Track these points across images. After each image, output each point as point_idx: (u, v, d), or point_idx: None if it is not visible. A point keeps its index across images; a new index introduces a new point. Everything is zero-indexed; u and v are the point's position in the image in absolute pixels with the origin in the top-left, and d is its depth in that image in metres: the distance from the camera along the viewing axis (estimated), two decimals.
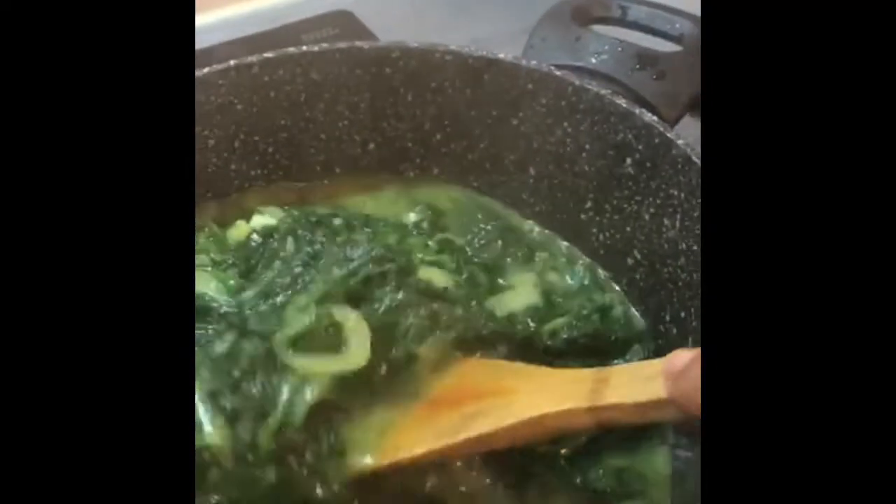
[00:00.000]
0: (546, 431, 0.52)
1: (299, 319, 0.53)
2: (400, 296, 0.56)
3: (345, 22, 1.07)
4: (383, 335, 0.54)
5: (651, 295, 0.64)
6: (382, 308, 0.55)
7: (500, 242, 0.69)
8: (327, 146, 0.73)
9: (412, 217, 0.71)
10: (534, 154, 0.70)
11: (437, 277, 0.62)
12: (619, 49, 0.69)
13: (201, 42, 1.01)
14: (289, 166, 0.73)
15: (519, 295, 0.65)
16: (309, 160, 0.73)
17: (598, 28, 0.73)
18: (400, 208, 0.73)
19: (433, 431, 0.53)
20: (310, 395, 0.51)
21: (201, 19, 1.09)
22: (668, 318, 0.63)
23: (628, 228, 0.65)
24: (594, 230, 0.69)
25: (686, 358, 0.44)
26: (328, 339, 0.53)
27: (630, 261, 0.66)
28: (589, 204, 0.68)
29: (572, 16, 0.72)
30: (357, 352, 0.52)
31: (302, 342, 0.52)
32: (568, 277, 0.68)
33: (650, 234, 0.63)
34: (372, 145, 0.74)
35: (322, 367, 0.52)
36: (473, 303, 0.61)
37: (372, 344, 0.53)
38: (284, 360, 0.51)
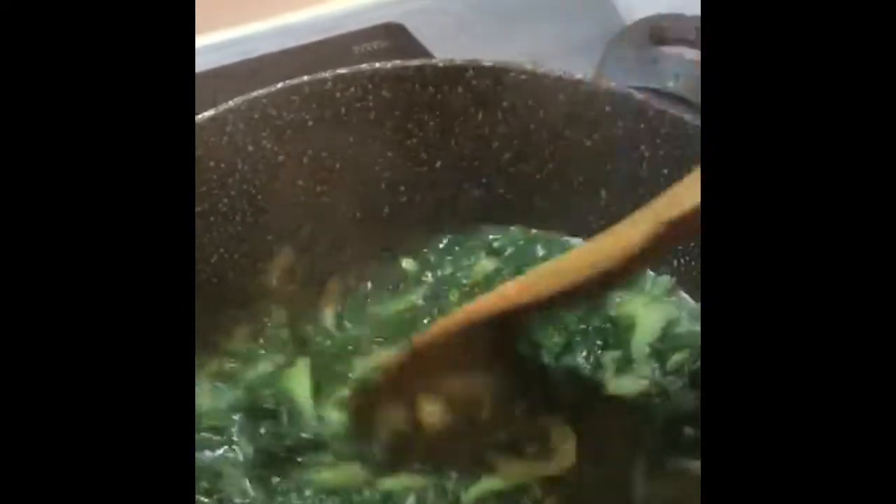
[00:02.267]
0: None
1: None
2: None
3: (395, 34, 1.06)
4: None
5: None
6: None
7: None
8: (393, 163, 0.72)
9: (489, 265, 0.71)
10: (606, 176, 0.69)
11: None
12: (699, 73, 0.68)
13: (251, 52, 1.01)
14: (353, 182, 0.72)
15: (643, 333, 0.64)
16: (374, 177, 0.72)
17: (675, 50, 0.72)
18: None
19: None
20: None
21: (252, 28, 1.08)
22: None
23: None
24: (669, 257, 0.68)
25: None
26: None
27: None
28: None
29: (647, 36, 0.71)
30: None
31: None
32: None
33: None
34: (439, 163, 0.73)
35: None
36: None
37: None
38: None
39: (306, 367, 0.64)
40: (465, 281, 0.70)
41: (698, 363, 0.61)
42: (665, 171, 0.65)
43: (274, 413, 0.62)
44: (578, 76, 0.66)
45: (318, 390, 0.63)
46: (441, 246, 0.73)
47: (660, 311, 0.66)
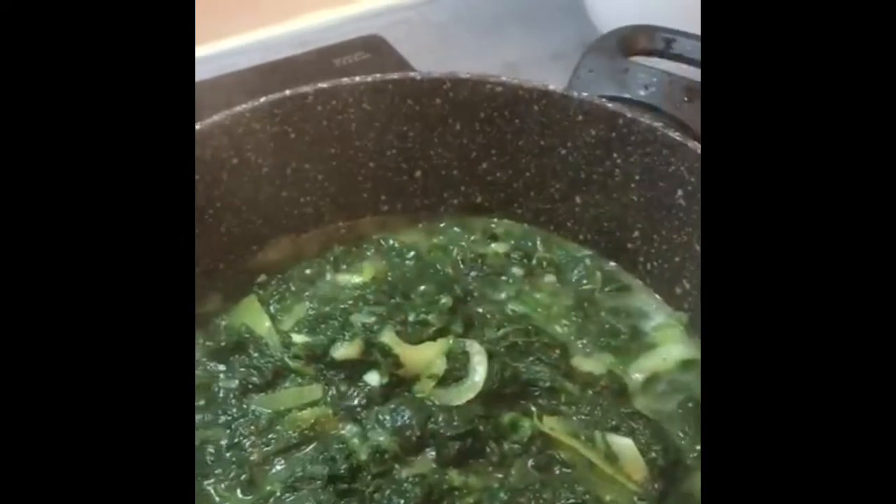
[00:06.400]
0: None
1: None
2: None
3: (375, 46, 1.08)
4: None
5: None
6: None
7: (598, 274, 0.70)
8: (375, 174, 0.74)
9: (497, 248, 0.73)
10: (581, 183, 0.71)
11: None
12: (668, 81, 0.70)
13: (234, 65, 1.03)
14: (336, 193, 0.74)
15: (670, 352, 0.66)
16: (356, 187, 0.74)
17: (644, 60, 0.74)
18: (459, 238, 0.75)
19: None
20: None
21: (233, 42, 1.10)
22: None
23: (678, 259, 0.67)
24: (641, 259, 0.70)
25: None
26: None
27: (679, 290, 0.67)
28: (636, 233, 0.69)
29: (618, 47, 0.73)
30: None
31: None
32: None
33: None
34: (419, 173, 0.75)
35: None
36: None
37: None
38: None
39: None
40: None
41: None
42: (637, 176, 0.67)
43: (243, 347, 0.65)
44: (552, 87, 0.68)
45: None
46: None
47: None
